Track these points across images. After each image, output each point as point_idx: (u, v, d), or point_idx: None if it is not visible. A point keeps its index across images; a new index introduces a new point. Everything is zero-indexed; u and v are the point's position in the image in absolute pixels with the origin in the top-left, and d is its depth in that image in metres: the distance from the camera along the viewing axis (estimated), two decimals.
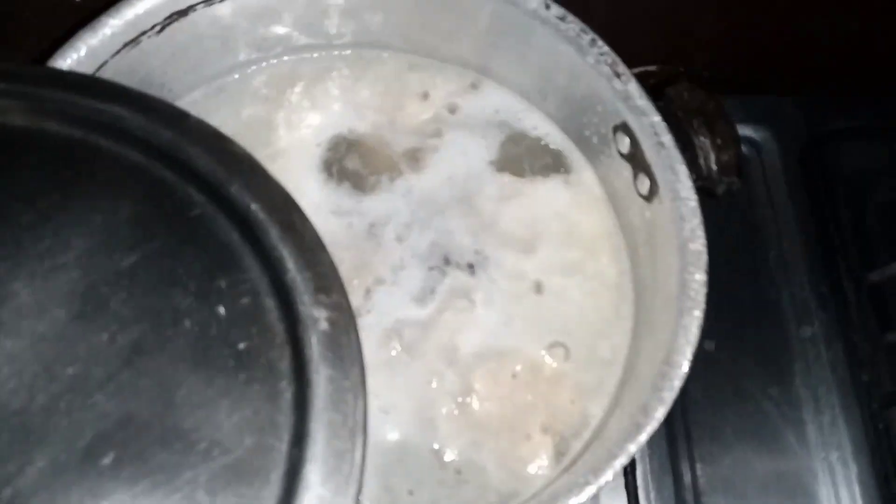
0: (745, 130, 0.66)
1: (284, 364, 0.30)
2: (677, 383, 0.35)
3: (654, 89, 0.42)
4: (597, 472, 0.33)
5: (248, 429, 0.29)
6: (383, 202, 0.46)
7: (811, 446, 0.56)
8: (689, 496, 0.55)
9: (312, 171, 0.47)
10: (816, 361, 0.58)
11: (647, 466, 0.55)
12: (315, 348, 0.29)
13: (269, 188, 0.33)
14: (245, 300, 0.31)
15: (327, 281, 0.31)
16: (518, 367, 0.43)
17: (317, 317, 0.30)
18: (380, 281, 0.44)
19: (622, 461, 0.33)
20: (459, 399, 0.42)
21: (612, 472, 0.33)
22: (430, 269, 0.45)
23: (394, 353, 0.42)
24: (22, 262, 0.30)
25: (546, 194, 0.47)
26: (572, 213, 0.47)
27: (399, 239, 0.45)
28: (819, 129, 0.66)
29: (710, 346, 0.59)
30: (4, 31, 0.57)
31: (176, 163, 0.33)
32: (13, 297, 0.30)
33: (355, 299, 0.43)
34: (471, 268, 0.45)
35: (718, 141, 0.40)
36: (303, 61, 0.50)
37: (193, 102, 0.49)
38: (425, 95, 0.49)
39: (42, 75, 0.36)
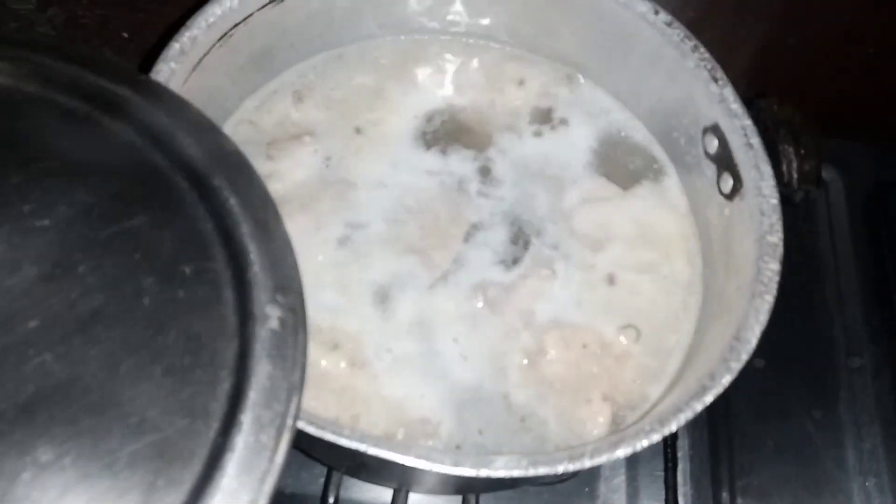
0: None
1: (230, 355, 0.31)
2: (744, 356, 0.37)
3: (745, 101, 0.46)
4: (663, 422, 0.35)
5: (181, 411, 0.29)
6: (474, 168, 0.50)
7: (849, 471, 0.58)
8: (726, 500, 0.57)
9: (410, 136, 0.52)
10: (862, 391, 0.60)
11: (688, 466, 0.57)
12: (261, 345, 0.31)
13: (251, 186, 0.34)
14: (205, 288, 0.32)
15: (287, 282, 0.32)
16: (589, 340, 0.46)
17: (269, 315, 0.31)
18: (470, 235, 0.48)
19: (687, 416, 0.36)
20: (531, 356, 0.45)
21: (675, 425, 0.35)
22: (516, 236, 0.48)
23: (479, 305, 0.46)
24: (4, 218, 0.32)
25: (631, 200, 0.50)
26: (652, 218, 0.50)
27: (487, 198, 0.49)
28: (885, 174, 0.69)
29: (759, 363, 0.61)
30: None
31: (168, 147, 0.35)
32: None
33: (448, 253, 0.47)
34: (553, 246, 0.48)
35: (802, 151, 0.43)
36: (418, 42, 0.55)
37: (313, 65, 0.54)
38: (521, 82, 0.53)
39: (59, 49, 0.38)
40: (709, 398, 0.36)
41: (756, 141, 0.42)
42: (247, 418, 0.30)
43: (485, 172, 0.50)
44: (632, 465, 0.58)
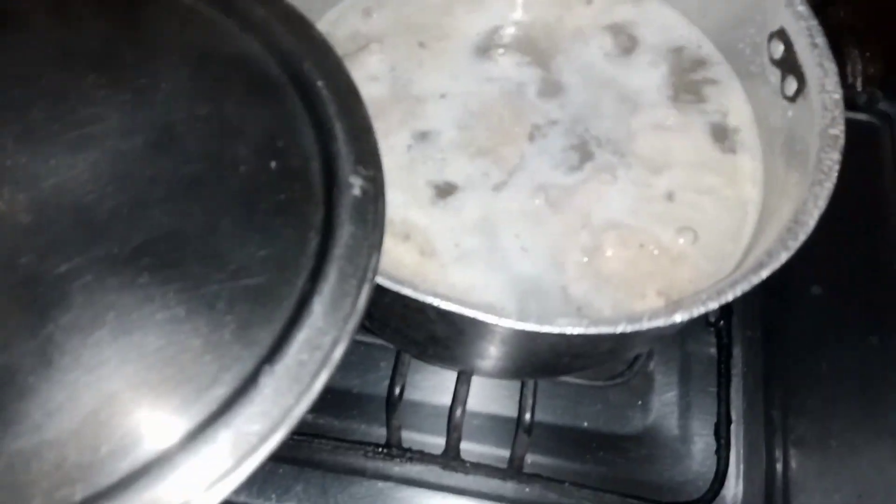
0: (880, 104, 0.69)
1: (317, 218, 0.34)
2: (802, 237, 0.39)
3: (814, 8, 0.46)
4: (720, 293, 0.37)
5: (274, 262, 0.33)
6: (537, 75, 0.53)
7: None
8: (777, 417, 0.58)
9: (471, 50, 0.54)
10: None
11: (741, 384, 0.58)
12: (345, 209, 0.34)
13: (337, 73, 0.38)
14: (296, 160, 0.35)
15: (368, 157, 0.36)
16: (646, 240, 0.47)
17: (352, 183, 0.35)
18: (533, 136, 0.50)
19: (743, 287, 0.37)
20: (589, 253, 0.47)
21: (731, 296, 0.37)
22: (580, 143, 0.50)
23: (538, 203, 0.48)
24: (119, 92, 0.36)
25: (696, 120, 0.51)
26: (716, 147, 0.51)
27: (550, 102, 0.51)
28: None
29: (817, 290, 0.62)
30: None
31: (264, 36, 0.38)
32: (106, 119, 0.35)
33: (516, 150, 0.49)
34: (616, 154, 0.50)
35: (867, 54, 0.44)
36: None
37: None
38: (590, 1, 0.55)
39: None
40: (765, 273, 0.37)
41: (821, 40, 0.43)
42: (332, 270, 0.33)
43: (548, 80, 0.52)
44: (684, 379, 0.59)
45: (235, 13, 0.39)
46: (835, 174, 0.40)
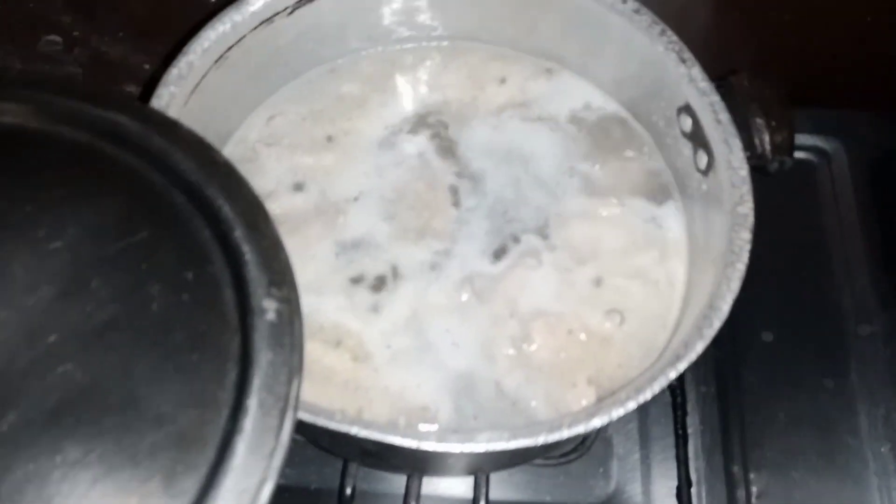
0: (816, 141, 0.70)
1: (234, 348, 0.34)
2: (717, 324, 0.39)
3: (718, 79, 0.47)
4: (638, 391, 0.37)
5: (194, 402, 0.32)
6: (457, 163, 0.53)
7: (863, 438, 0.58)
8: (738, 473, 0.57)
9: (385, 138, 0.54)
10: (873, 358, 0.61)
11: (699, 442, 0.58)
12: (261, 335, 0.34)
13: (242, 192, 0.38)
14: (207, 290, 0.35)
15: (280, 276, 0.35)
16: (575, 326, 0.47)
17: (266, 308, 0.34)
18: (454, 233, 0.50)
19: (661, 384, 0.37)
20: (519, 343, 0.47)
21: (650, 393, 0.37)
22: (503, 228, 0.50)
23: (465, 297, 0.48)
24: (21, 245, 0.35)
25: (617, 197, 0.51)
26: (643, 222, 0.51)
27: (475, 194, 0.51)
28: (888, 143, 0.69)
29: (768, 337, 0.62)
30: (152, 29, 0.66)
31: (164, 166, 0.38)
32: (11, 275, 0.35)
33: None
34: (541, 235, 0.50)
35: (773, 123, 0.44)
36: (404, 50, 0.57)
37: (309, 80, 0.57)
38: (503, 80, 0.55)
39: (58, 85, 0.41)
40: (682, 365, 0.38)
41: (724, 116, 0.44)
42: (252, 403, 0.33)
43: (464, 164, 0.52)
44: (644, 442, 0.59)
45: (133, 146, 0.39)
46: (746, 255, 0.40)
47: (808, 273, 0.64)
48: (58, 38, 0.69)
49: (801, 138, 0.69)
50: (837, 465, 0.57)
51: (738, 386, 0.60)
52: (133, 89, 0.73)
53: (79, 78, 0.73)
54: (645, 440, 0.59)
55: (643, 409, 0.60)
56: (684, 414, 0.58)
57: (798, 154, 0.68)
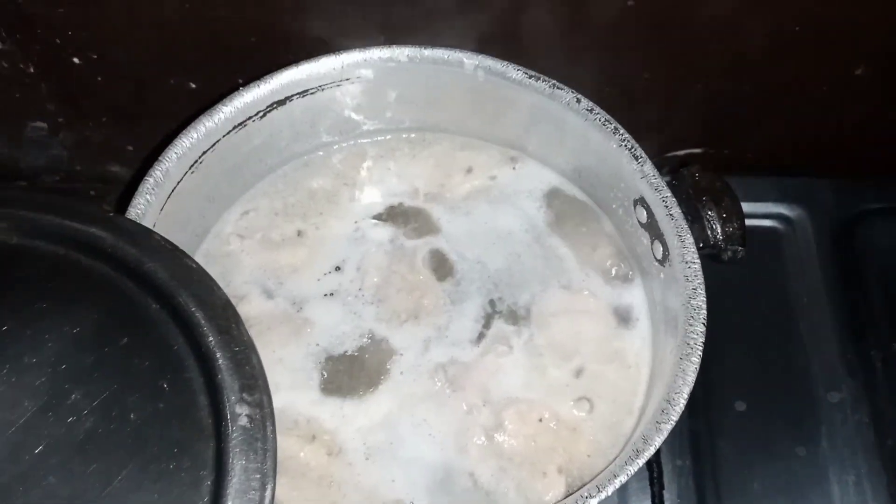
0: (780, 209, 0.72)
1: (208, 455, 0.35)
2: (674, 418, 0.40)
3: (673, 171, 0.49)
4: (600, 487, 0.38)
5: None
6: (423, 245, 0.55)
7: None
8: None
9: (354, 229, 0.56)
10: (843, 425, 0.62)
11: None
12: (235, 441, 0.35)
13: (213, 298, 0.39)
14: (183, 397, 0.37)
15: (253, 380, 0.37)
16: (546, 414, 0.49)
17: (239, 413, 0.36)
18: (432, 322, 0.52)
19: (622, 480, 0.38)
20: (491, 432, 0.48)
21: (612, 489, 0.38)
22: (478, 315, 0.52)
23: (438, 385, 0.49)
24: (2, 363, 0.37)
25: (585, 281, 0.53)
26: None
27: (451, 282, 0.53)
28: (851, 209, 0.71)
29: (741, 406, 0.63)
30: (134, 113, 0.69)
31: (138, 275, 0.40)
32: None
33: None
34: (513, 319, 0.52)
35: (724, 214, 0.46)
36: (374, 143, 0.59)
37: (284, 174, 0.59)
38: (469, 170, 0.58)
39: (35, 202, 0.43)
40: (641, 461, 0.39)
41: (676, 211, 0.46)
42: None
43: (434, 251, 0.55)
44: None
45: (108, 257, 0.41)
46: (700, 349, 0.42)
47: (777, 340, 0.66)
48: (43, 125, 0.71)
49: (766, 206, 0.71)
50: None
51: (714, 457, 0.61)
52: (117, 169, 0.75)
53: (64, 160, 0.75)
54: None
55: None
56: (661, 488, 0.59)
57: (763, 222, 0.71)
